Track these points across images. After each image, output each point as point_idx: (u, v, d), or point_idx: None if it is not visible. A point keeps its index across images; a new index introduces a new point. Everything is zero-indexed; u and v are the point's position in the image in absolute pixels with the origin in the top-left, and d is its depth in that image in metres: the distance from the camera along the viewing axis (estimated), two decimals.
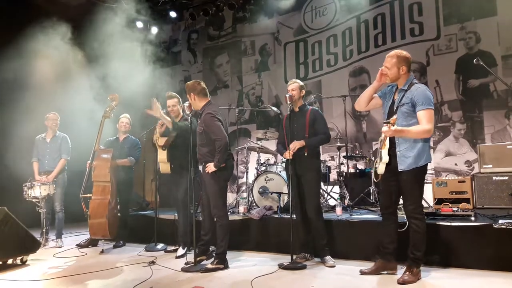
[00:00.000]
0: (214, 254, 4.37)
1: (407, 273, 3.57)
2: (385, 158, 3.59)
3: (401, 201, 3.88)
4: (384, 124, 3.35)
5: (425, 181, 3.77)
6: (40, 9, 7.17)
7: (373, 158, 6.23)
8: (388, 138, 3.60)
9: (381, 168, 3.67)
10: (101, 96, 6.74)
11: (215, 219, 4.36)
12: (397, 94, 3.71)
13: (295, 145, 4.28)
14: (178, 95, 5.19)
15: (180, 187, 4.94)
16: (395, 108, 3.65)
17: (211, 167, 4.22)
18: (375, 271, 3.82)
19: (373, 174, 3.88)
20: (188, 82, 4.53)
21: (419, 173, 3.60)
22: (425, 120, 3.45)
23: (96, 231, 5.30)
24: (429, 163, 3.67)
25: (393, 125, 3.28)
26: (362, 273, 3.83)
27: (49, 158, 5.89)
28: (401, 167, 3.58)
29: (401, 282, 3.50)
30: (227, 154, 4.35)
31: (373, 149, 6.98)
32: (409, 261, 3.63)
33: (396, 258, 3.84)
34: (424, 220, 3.64)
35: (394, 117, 3.32)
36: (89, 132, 6.24)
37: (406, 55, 3.66)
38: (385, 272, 3.83)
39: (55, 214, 5.82)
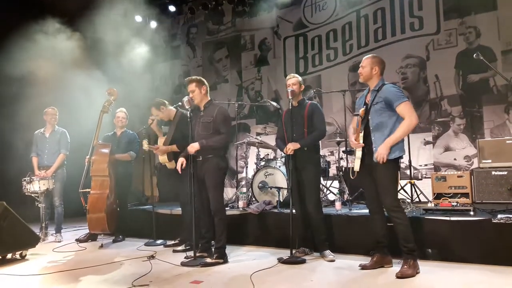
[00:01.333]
0: (213, 249, 4.38)
1: (405, 266, 3.61)
2: (358, 153, 3.79)
3: None
4: (357, 116, 3.72)
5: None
6: (39, 4, 7.14)
7: None
8: (362, 137, 3.76)
9: (356, 165, 3.83)
10: (100, 90, 6.72)
11: (213, 213, 4.35)
12: (370, 95, 3.88)
13: (290, 147, 4.27)
14: (159, 102, 5.22)
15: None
16: (369, 107, 3.79)
17: (191, 147, 4.24)
18: (374, 265, 3.84)
19: (350, 171, 3.94)
20: (197, 76, 4.58)
21: (392, 166, 3.70)
22: (407, 113, 3.63)
23: (94, 225, 5.30)
24: (403, 157, 3.85)
25: (362, 117, 3.69)
26: (363, 267, 3.85)
27: (48, 153, 5.88)
28: (376, 160, 3.67)
29: (399, 276, 3.53)
30: (225, 151, 4.45)
31: None
32: (404, 254, 3.68)
33: (391, 252, 3.89)
34: (403, 211, 3.77)
35: (362, 109, 3.66)
36: (88, 127, 6.23)
37: (381, 59, 3.90)
38: (382, 266, 3.86)
39: (54, 209, 5.83)
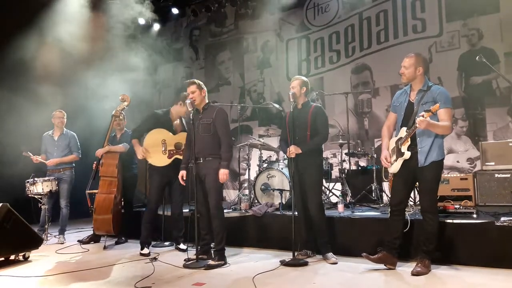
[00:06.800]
0: (213, 251, 4.39)
1: (419, 265, 3.70)
2: (407, 154, 3.72)
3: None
4: (420, 115, 3.48)
5: None
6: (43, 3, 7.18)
7: (375, 155, 6.22)
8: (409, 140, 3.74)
9: (396, 166, 3.82)
10: (101, 92, 6.74)
11: (212, 216, 4.37)
12: (415, 94, 3.82)
13: (292, 150, 4.27)
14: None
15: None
16: (415, 107, 3.75)
17: (224, 174, 4.28)
18: (377, 260, 3.87)
19: (383, 172, 3.97)
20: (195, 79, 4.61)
21: (438, 167, 3.74)
22: (447, 118, 3.64)
23: (99, 226, 5.29)
24: (444, 158, 3.82)
25: (433, 113, 3.45)
26: (366, 256, 3.88)
27: (56, 155, 5.90)
28: (423, 162, 3.69)
29: (415, 273, 3.64)
30: None
31: (375, 146, 6.96)
32: (421, 254, 3.76)
33: (399, 254, 3.89)
34: (437, 214, 3.81)
35: (437, 105, 3.47)
36: (89, 128, 6.25)
37: (424, 58, 3.85)
38: (385, 266, 3.87)
39: (60, 210, 5.84)
